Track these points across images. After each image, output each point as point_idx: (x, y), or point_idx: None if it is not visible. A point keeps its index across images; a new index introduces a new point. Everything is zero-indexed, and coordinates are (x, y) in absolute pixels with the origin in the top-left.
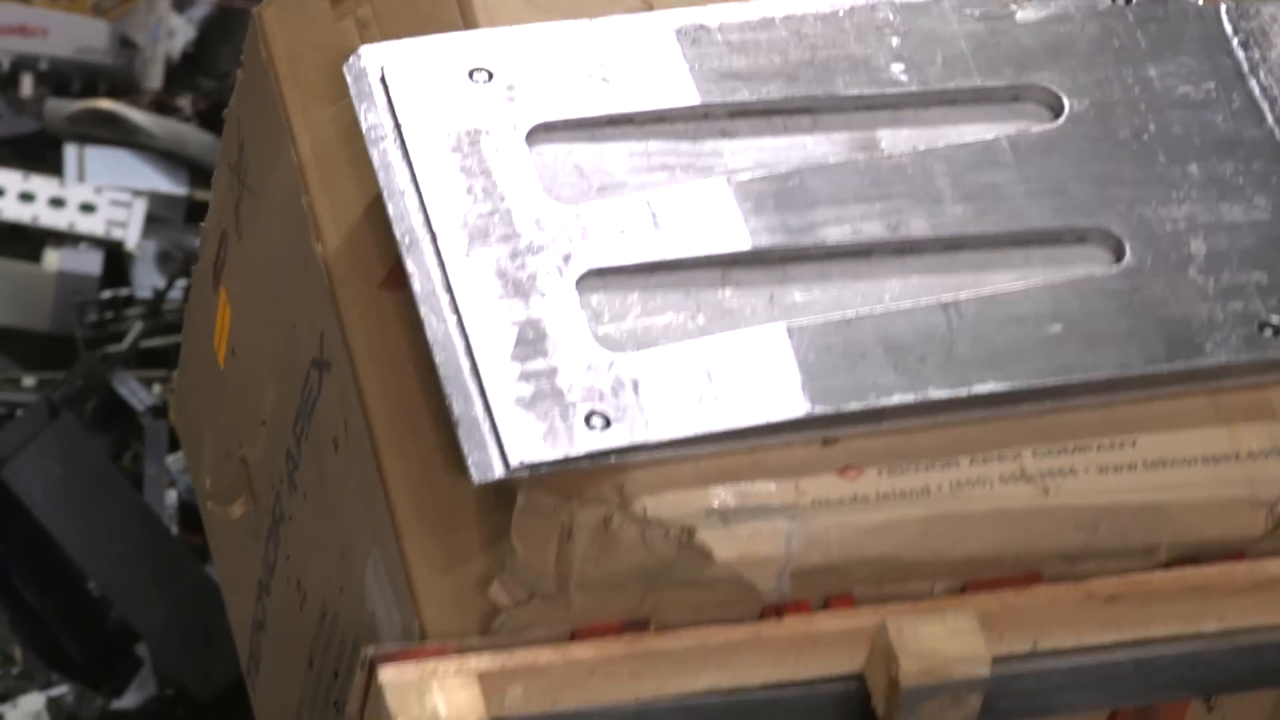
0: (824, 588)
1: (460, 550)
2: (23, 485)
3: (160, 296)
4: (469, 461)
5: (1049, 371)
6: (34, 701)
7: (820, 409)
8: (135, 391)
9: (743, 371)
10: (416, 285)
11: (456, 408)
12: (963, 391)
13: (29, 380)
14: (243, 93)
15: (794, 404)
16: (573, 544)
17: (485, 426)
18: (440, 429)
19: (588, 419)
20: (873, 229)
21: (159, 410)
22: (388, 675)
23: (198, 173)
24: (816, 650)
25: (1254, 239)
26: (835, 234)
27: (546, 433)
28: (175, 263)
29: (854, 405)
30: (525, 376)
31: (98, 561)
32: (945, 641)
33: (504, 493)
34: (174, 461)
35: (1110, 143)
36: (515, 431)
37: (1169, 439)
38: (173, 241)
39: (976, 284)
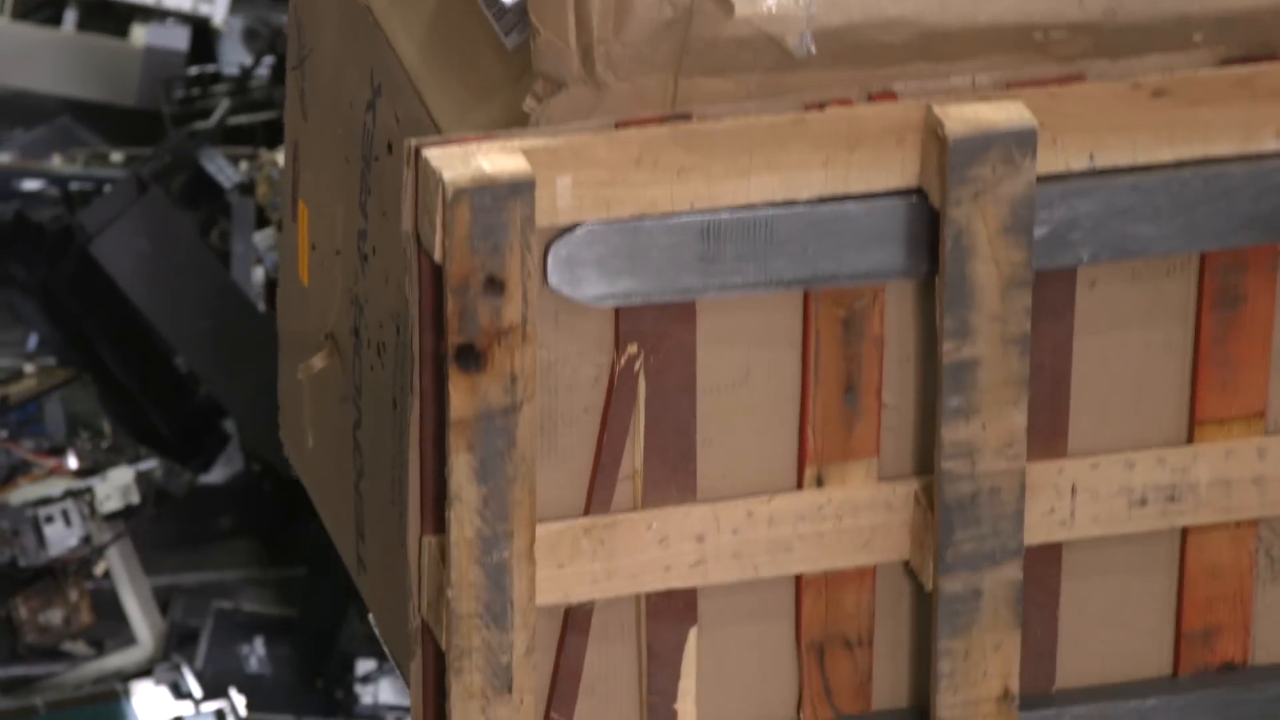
0: (853, 59)
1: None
2: (111, 260)
3: (247, 74)
4: None
5: None
6: (123, 475)
7: None
8: (222, 168)
9: None
10: None
11: None
12: None
13: (117, 156)
14: None
15: None
16: (588, 7)
17: None
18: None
19: None
20: None
21: (246, 187)
22: (433, 153)
23: None
24: (865, 145)
25: None
26: None
27: None
28: (262, 39)
29: None
30: None
31: (185, 337)
32: (991, 111)
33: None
34: (261, 239)
35: None
36: None
37: None
38: (259, 18)
39: None
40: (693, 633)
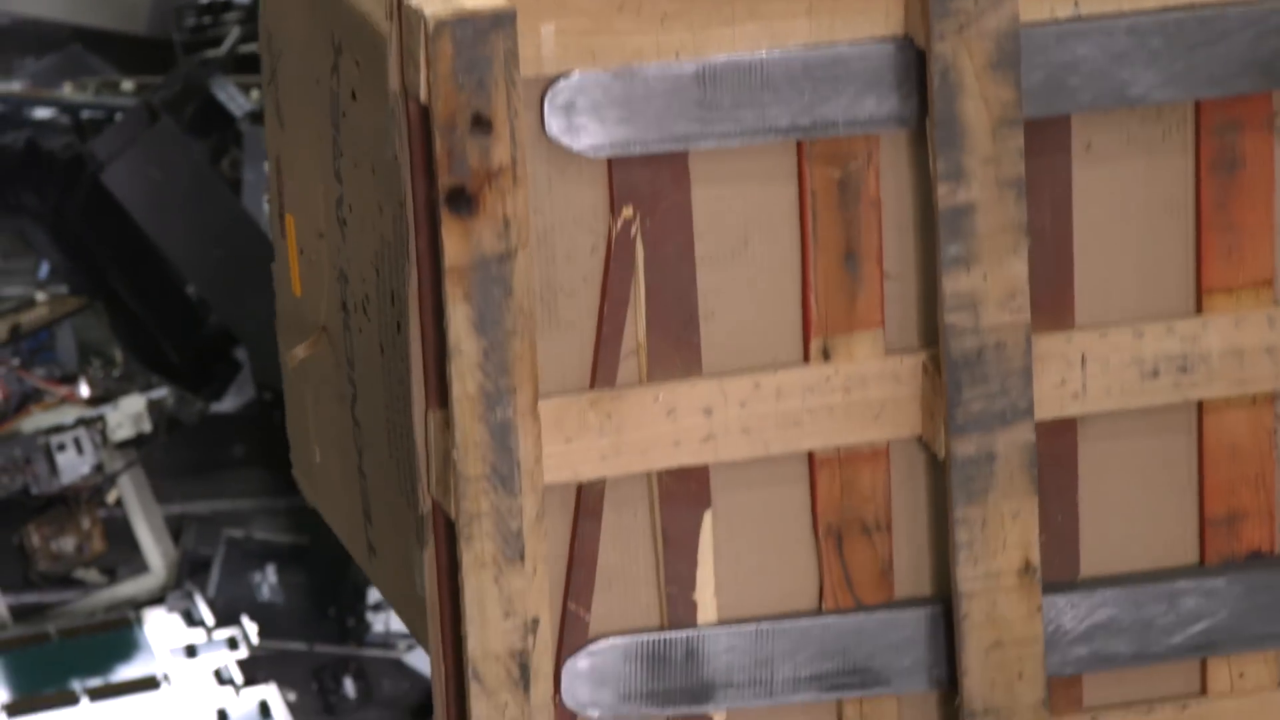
0: None
1: None
2: (122, 188)
3: (257, 1)
4: None
5: None
6: (135, 403)
7: None
8: (234, 96)
9: None
10: None
11: None
12: None
13: (127, 84)
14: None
15: None
16: None
17: None
18: None
19: None
20: None
21: (257, 115)
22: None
23: None
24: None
25: None
26: None
27: None
28: None
29: None
30: None
31: (197, 265)
32: None
33: None
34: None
35: None
36: None
37: None
38: None
39: None
40: (707, 517)
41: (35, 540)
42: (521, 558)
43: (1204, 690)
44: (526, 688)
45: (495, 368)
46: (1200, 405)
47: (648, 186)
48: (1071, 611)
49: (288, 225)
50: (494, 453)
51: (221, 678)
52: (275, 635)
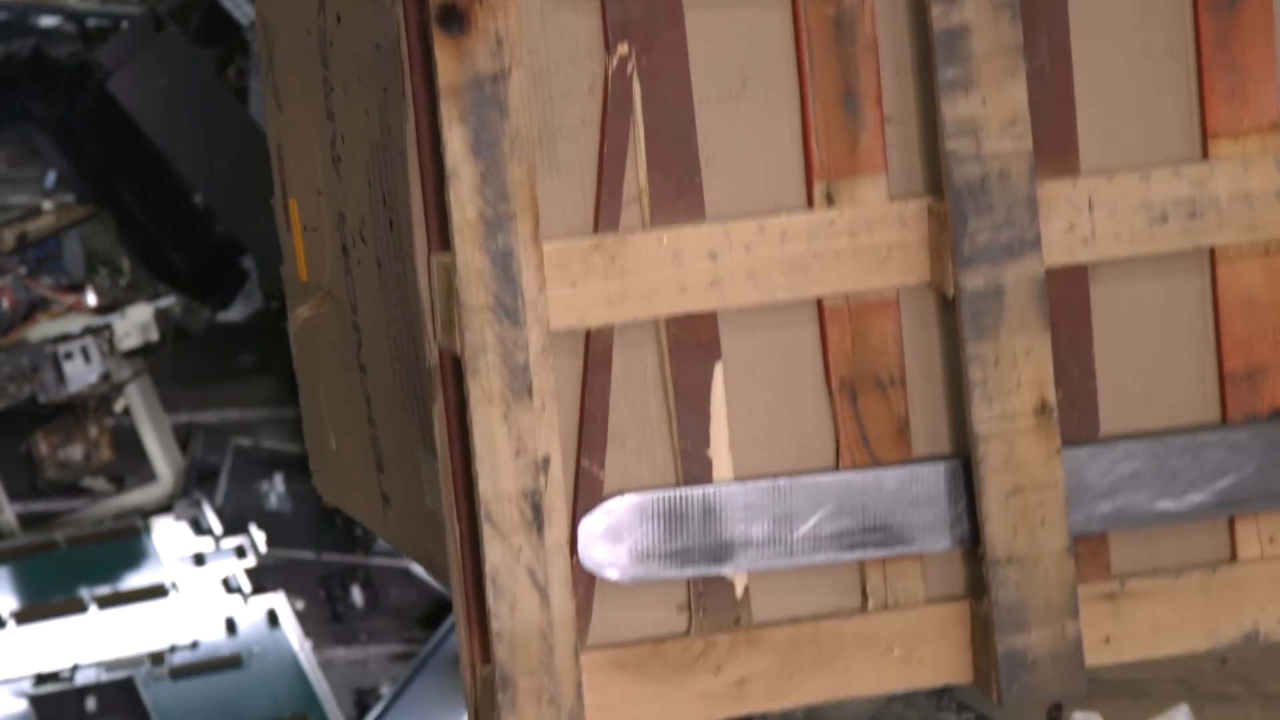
0: None
1: None
2: (129, 98)
3: None
4: None
5: None
6: (142, 312)
7: None
8: (239, 4)
9: None
10: None
11: None
12: None
13: None
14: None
15: None
16: None
17: None
18: None
19: None
20: None
21: None
22: None
23: None
24: None
25: None
26: None
27: None
28: None
29: None
30: None
31: (203, 174)
32: None
33: None
34: None
35: None
36: None
37: None
38: None
39: None
40: (718, 369)
41: (43, 449)
42: (530, 393)
43: (1233, 556)
44: (540, 529)
45: (494, 192)
46: (1213, 255)
47: (641, 23)
48: (1093, 465)
49: (291, 212)
50: (496, 282)
51: (229, 586)
52: (283, 544)
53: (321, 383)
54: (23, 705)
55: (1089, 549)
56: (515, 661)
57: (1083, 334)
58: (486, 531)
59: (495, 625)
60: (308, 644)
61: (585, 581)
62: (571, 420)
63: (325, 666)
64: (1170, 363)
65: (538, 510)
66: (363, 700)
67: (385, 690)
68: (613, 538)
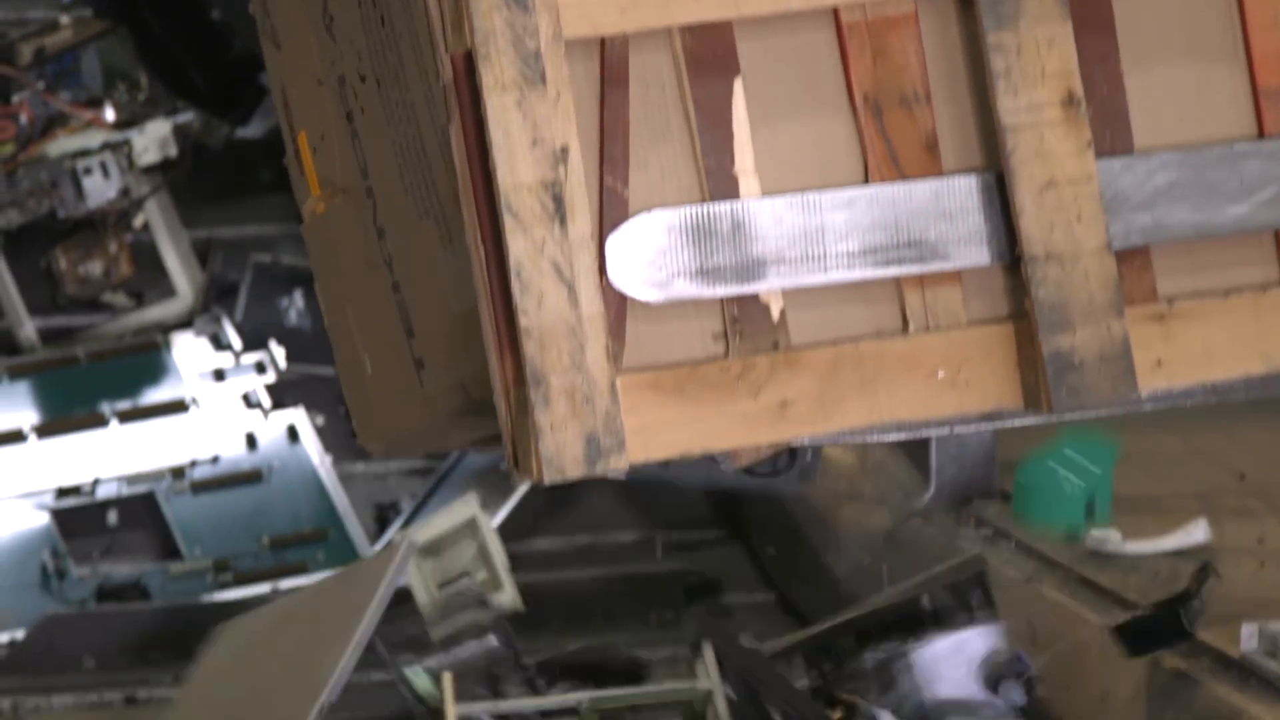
0: None
1: None
2: None
3: None
4: None
5: None
6: (160, 127)
7: None
8: None
9: None
10: None
11: None
12: None
13: None
14: None
15: None
16: None
17: None
18: None
19: None
20: None
21: None
22: None
23: None
24: None
25: None
26: None
27: None
28: None
29: None
30: None
31: None
32: None
33: None
34: None
35: None
36: None
37: None
38: None
39: None
40: (738, 84)
41: (63, 264)
42: (543, 80)
43: None
44: (563, 222)
45: None
46: None
47: None
48: (1129, 175)
49: (301, 147)
50: None
51: (249, 401)
52: (302, 359)
53: (349, 305)
54: (44, 518)
55: (1133, 270)
56: (545, 359)
57: (1109, 49)
58: (508, 224)
59: (523, 321)
60: (328, 459)
61: (617, 304)
62: (592, 137)
63: (345, 481)
64: (1201, 81)
65: (559, 202)
66: (383, 515)
67: (405, 505)
68: (641, 256)
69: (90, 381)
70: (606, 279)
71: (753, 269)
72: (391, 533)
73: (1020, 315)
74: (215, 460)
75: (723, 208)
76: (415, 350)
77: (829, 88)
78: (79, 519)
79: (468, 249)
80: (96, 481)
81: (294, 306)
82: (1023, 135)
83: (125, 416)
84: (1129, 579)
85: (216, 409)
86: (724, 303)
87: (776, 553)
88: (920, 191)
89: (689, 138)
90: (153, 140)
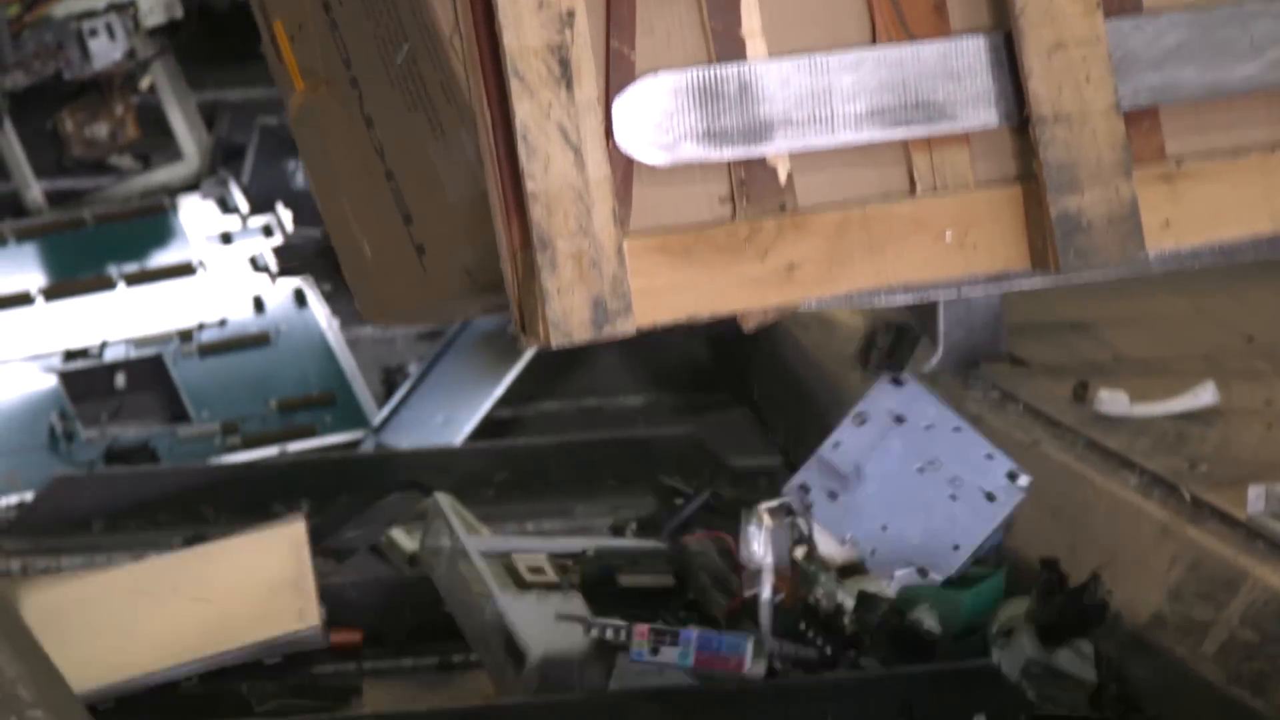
0: None
1: None
2: None
3: None
4: None
5: None
6: None
7: None
8: None
9: None
10: None
11: None
12: None
13: None
14: None
15: None
16: None
17: None
18: None
19: None
20: None
21: None
22: None
23: None
24: None
25: None
26: None
27: None
28: None
29: None
30: None
31: None
32: None
33: None
34: None
35: None
36: None
37: None
38: None
39: None
40: None
41: (69, 126)
42: None
43: None
44: (570, 85)
45: None
46: None
47: None
48: (1138, 35)
49: (278, 36)
50: None
51: (257, 265)
52: (309, 222)
53: (343, 193)
54: (52, 380)
55: (1141, 131)
56: (552, 223)
57: None
58: (514, 87)
59: (530, 185)
60: (335, 322)
61: (623, 167)
62: (598, 10)
63: (353, 344)
64: None
65: (565, 65)
66: (390, 378)
67: (413, 368)
68: (648, 118)
69: (97, 244)
70: (613, 142)
71: (759, 131)
72: (399, 396)
73: (1028, 177)
74: (223, 323)
75: (729, 70)
76: (415, 237)
77: None
78: (87, 381)
79: (473, 114)
80: (104, 344)
81: (300, 169)
82: None
83: (132, 279)
84: (1136, 441)
85: (224, 272)
86: (731, 166)
87: (782, 416)
88: (928, 53)
89: (696, 5)
90: (158, 1)
